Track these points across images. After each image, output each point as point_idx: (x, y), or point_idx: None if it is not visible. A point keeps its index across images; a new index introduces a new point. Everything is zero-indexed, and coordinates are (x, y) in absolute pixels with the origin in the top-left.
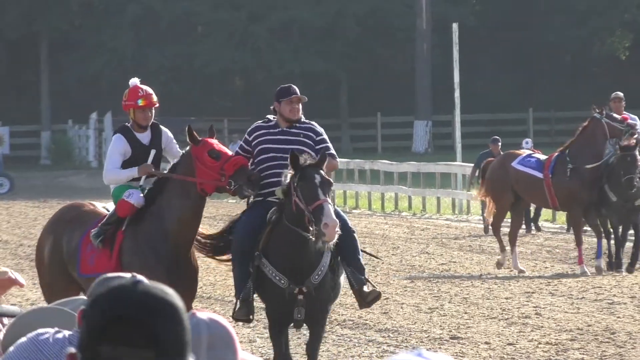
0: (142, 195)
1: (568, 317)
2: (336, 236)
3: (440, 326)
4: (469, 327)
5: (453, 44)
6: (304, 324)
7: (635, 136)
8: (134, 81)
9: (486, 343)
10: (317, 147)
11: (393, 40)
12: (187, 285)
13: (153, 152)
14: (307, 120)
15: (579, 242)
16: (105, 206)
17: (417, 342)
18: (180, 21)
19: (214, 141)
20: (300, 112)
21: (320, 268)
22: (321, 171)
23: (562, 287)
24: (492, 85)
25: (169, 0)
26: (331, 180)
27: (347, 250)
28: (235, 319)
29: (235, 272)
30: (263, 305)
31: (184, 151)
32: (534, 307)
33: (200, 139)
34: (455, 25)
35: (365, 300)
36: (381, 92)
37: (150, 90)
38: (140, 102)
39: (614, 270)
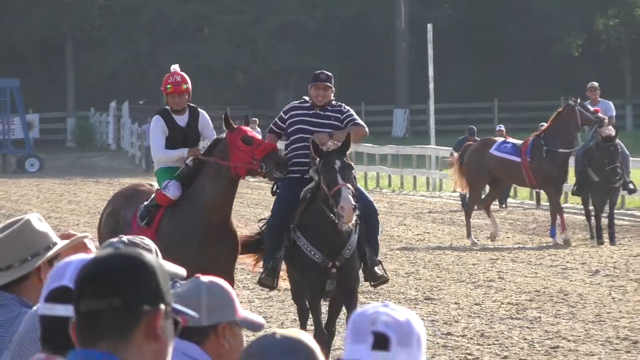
0: (178, 186)
1: (527, 280)
2: (354, 218)
3: (416, 289)
4: (440, 289)
5: (428, 42)
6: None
7: (611, 128)
8: (174, 67)
9: (455, 303)
10: (345, 122)
11: (375, 39)
12: (224, 257)
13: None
14: (337, 103)
15: (559, 214)
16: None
17: (395, 302)
18: (189, 23)
19: (247, 128)
20: (328, 97)
21: (351, 243)
22: (343, 157)
23: (522, 255)
24: (462, 78)
25: (179, 4)
26: (352, 164)
27: (369, 230)
28: (260, 284)
29: (267, 242)
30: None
31: (219, 136)
32: (497, 272)
33: (235, 126)
34: (429, 26)
35: (375, 280)
36: (365, 85)
37: (180, 79)
38: (169, 88)
39: (597, 244)
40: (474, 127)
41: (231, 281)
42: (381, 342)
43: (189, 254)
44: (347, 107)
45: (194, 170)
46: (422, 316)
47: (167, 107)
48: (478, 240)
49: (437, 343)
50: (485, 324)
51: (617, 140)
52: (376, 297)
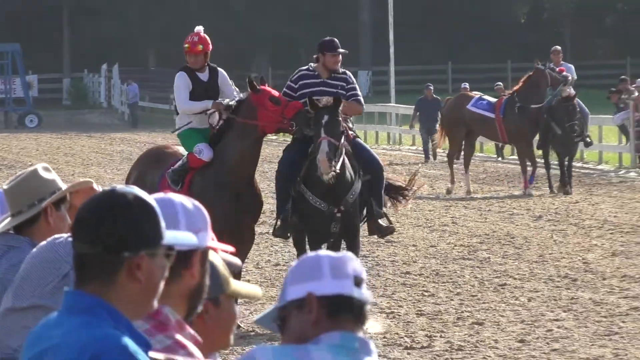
0: (210, 148)
1: (477, 225)
2: (330, 170)
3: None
4: (400, 233)
5: (388, 10)
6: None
7: (571, 88)
8: (198, 28)
9: (413, 245)
10: (348, 94)
11: (341, 7)
12: (249, 211)
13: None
14: (342, 70)
15: (530, 168)
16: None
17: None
18: None
19: (271, 89)
20: (339, 64)
21: (354, 190)
22: (333, 112)
23: (473, 202)
24: (420, 43)
25: None
26: (340, 119)
27: (373, 184)
28: (275, 235)
29: (277, 195)
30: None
31: (239, 96)
32: (451, 217)
33: (259, 87)
34: None
35: (381, 232)
36: None
37: (198, 39)
38: (186, 47)
39: (559, 192)
40: (430, 83)
41: (252, 233)
42: (359, 282)
43: (221, 211)
44: (352, 78)
45: (220, 131)
46: (384, 257)
47: (187, 64)
48: (455, 192)
49: (397, 281)
50: (440, 264)
51: (577, 100)
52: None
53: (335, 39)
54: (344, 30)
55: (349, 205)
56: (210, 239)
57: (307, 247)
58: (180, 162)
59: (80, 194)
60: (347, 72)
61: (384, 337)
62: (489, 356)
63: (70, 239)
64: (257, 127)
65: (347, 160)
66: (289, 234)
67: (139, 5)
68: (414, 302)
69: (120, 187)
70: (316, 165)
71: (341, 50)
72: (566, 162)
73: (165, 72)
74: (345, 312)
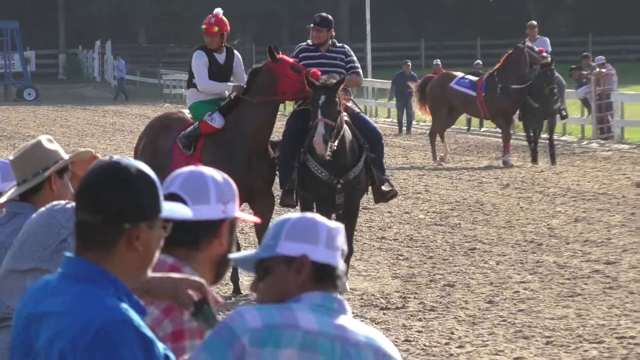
0: (221, 116)
1: (449, 193)
2: (326, 152)
3: None
4: None
5: None
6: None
7: (548, 57)
8: (216, 10)
9: (389, 212)
10: (347, 66)
11: None
12: (263, 177)
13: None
14: (341, 45)
15: (507, 139)
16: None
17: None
18: None
19: (289, 58)
20: (322, 37)
21: (357, 167)
22: (330, 92)
23: (445, 171)
24: (394, 21)
25: None
26: (337, 100)
27: (374, 152)
28: (282, 205)
29: (280, 166)
30: None
31: (255, 66)
32: (424, 185)
33: (279, 57)
34: None
35: (384, 196)
36: None
37: (215, 21)
38: (203, 28)
39: (536, 162)
40: (408, 60)
41: (272, 199)
42: (342, 254)
43: (235, 177)
44: (350, 51)
45: (234, 101)
46: (361, 223)
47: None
48: (442, 163)
49: (373, 246)
50: (414, 230)
51: (553, 68)
52: None
53: (323, 15)
54: (324, 9)
55: (349, 180)
56: (238, 210)
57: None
58: (191, 128)
59: (81, 163)
60: (346, 45)
61: (361, 299)
62: (460, 316)
63: (68, 205)
64: (276, 97)
65: (350, 137)
66: (295, 202)
67: None
68: (389, 266)
69: (124, 159)
70: None
71: (322, 27)
72: (546, 135)
73: (154, 48)
74: (328, 279)
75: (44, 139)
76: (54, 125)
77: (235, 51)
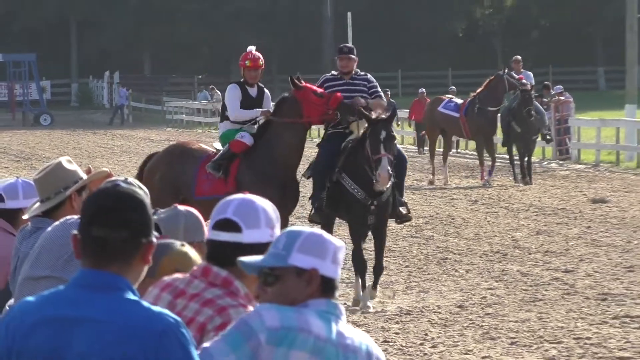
0: (250, 136)
1: (423, 208)
2: (389, 183)
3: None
4: None
5: (348, 26)
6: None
7: (527, 83)
8: (250, 48)
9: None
10: (370, 91)
11: (308, 23)
12: (291, 201)
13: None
14: (363, 73)
15: (484, 160)
16: (214, 145)
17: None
18: (166, 8)
19: (311, 84)
20: (351, 66)
21: (388, 189)
22: (389, 127)
23: (420, 189)
24: (374, 53)
25: None
26: (395, 135)
27: (398, 177)
28: (310, 221)
29: (314, 184)
30: None
31: (283, 95)
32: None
33: (301, 85)
34: (349, 14)
35: (400, 218)
36: (300, 57)
37: (257, 55)
38: (248, 63)
39: (520, 183)
40: (387, 89)
41: (287, 223)
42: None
43: (274, 198)
44: (372, 78)
45: (263, 126)
46: (343, 236)
47: (242, 79)
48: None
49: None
50: (392, 241)
51: (532, 93)
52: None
53: (349, 45)
54: (310, 42)
55: (382, 201)
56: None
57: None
58: (220, 153)
59: (96, 181)
60: (368, 74)
61: (344, 303)
62: (433, 319)
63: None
64: (303, 121)
65: None
66: (323, 220)
67: (135, 18)
68: (369, 274)
69: (131, 181)
70: (359, 158)
71: (351, 55)
72: (526, 159)
73: (158, 78)
74: (331, 289)
75: (64, 160)
76: (67, 147)
77: (266, 89)
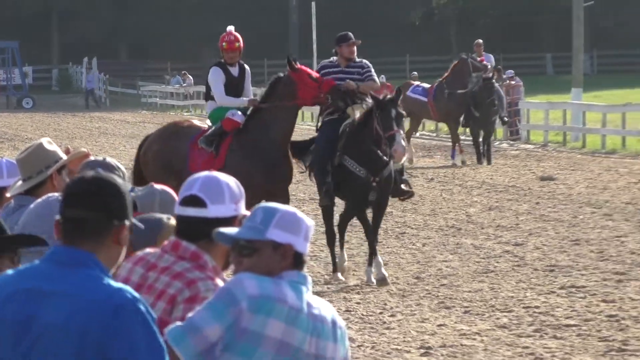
0: (241, 114)
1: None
2: (404, 158)
3: (303, 192)
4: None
5: (312, 14)
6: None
7: (491, 72)
8: (229, 28)
9: None
10: (364, 76)
11: (274, 13)
12: (284, 177)
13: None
14: (359, 60)
15: (457, 142)
16: (204, 121)
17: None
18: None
19: (307, 68)
20: (355, 51)
21: (389, 167)
22: (397, 105)
23: None
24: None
25: None
26: (403, 113)
27: None
28: (321, 205)
29: (316, 171)
30: None
31: (276, 75)
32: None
33: (297, 67)
34: (313, 3)
35: (402, 195)
36: (268, 44)
37: (234, 37)
38: (225, 45)
39: (481, 163)
40: None
41: (288, 197)
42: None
43: (259, 179)
44: (369, 64)
45: (252, 111)
46: (308, 212)
47: (221, 60)
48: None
49: (319, 230)
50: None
51: (494, 82)
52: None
53: (349, 32)
54: (276, 31)
55: (384, 178)
56: (244, 208)
57: (332, 212)
58: (212, 129)
59: (75, 161)
60: (364, 60)
61: (310, 275)
62: (392, 290)
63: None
64: (296, 102)
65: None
66: (333, 202)
67: (113, 9)
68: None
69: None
70: (359, 139)
71: (354, 40)
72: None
73: (134, 64)
74: (301, 263)
75: (45, 141)
76: (48, 129)
77: (246, 65)
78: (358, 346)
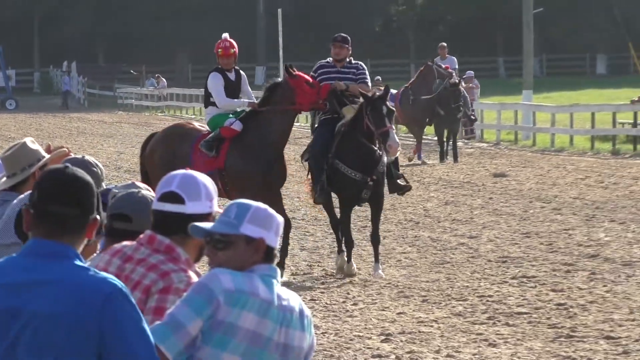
0: (239, 122)
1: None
2: (398, 153)
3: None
4: (287, 188)
5: (278, 21)
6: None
7: (455, 79)
8: (224, 35)
9: (298, 197)
10: (357, 78)
11: (242, 18)
12: (279, 177)
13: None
14: (355, 62)
15: (418, 143)
16: (203, 126)
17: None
18: (119, 6)
19: (305, 75)
20: (344, 54)
21: (383, 161)
22: (387, 102)
23: None
24: (302, 46)
25: None
26: (394, 109)
27: None
28: (316, 203)
29: (312, 170)
30: None
31: (273, 81)
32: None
33: (295, 73)
34: (279, 10)
35: (400, 189)
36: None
37: (229, 43)
38: (220, 52)
39: (443, 161)
40: None
41: (280, 196)
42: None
43: (257, 179)
44: (363, 66)
45: (250, 113)
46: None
47: (218, 66)
48: None
49: (305, 226)
50: (318, 212)
51: (461, 87)
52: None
53: (343, 35)
54: (245, 33)
55: (379, 174)
56: (217, 205)
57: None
58: (212, 134)
59: (56, 159)
60: (360, 62)
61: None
62: (354, 280)
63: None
64: (294, 108)
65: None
66: (328, 200)
67: (91, 15)
68: (298, 240)
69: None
70: (351, 141)
71: (344, 44)
72: (451, 138)
73: (111, 67)
74: (272, 257)
75: (28, 140)
76: (30, 129)
77: (241, 71)
78: (322, 333)
